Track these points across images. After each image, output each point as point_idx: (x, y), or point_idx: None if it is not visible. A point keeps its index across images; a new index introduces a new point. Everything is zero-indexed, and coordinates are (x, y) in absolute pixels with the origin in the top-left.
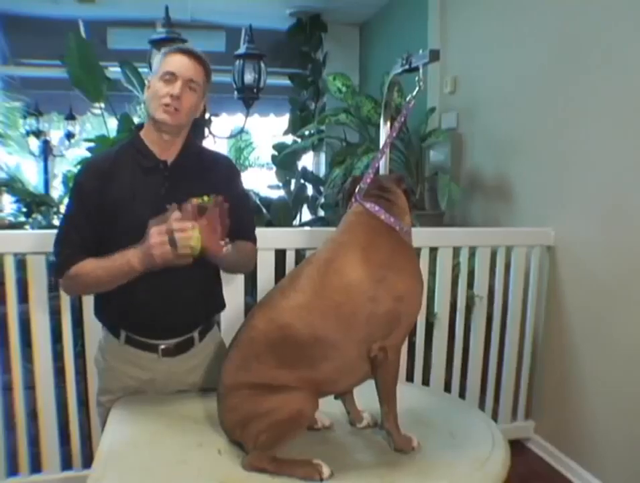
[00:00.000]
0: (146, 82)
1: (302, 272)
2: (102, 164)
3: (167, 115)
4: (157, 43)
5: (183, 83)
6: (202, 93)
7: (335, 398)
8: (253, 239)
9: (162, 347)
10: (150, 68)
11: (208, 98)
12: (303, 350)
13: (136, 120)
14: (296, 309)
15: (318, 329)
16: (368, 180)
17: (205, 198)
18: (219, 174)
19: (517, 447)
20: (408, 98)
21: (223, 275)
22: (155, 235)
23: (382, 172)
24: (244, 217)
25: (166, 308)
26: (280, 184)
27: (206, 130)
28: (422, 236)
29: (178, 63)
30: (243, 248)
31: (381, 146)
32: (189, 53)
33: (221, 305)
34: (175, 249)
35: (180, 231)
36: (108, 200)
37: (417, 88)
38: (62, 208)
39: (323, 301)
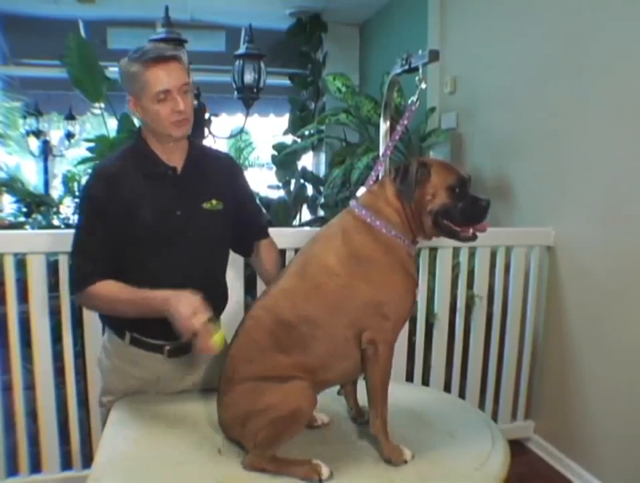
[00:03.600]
0: (129, 99)
1: (290, 262)
2: (109, 171)
3: (182, 130)
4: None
5: (178, 92)
6: (191, 83)
7: (338, 393)
8: (268, 234)
9: (168, 348)
10: None
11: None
12: (293, 331)
13: (136, 120)
14: (281, 292)
15: (301, 309)
16: (371, 182)
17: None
18: (222, 175)
19: (517, 447)
20: (410, 101)
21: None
22: (185, 318)
23: (380, 173)
24: (257, 214)
25: None
26: (280, 184)
27: (206, 130)
28: None
29: (165, 76)
30: (274, 260)
31: (382, 148)
32: (166, 59)
33: (225, 305)
34: (195, 345)
35: (203, 342)
36: (117, 207)
37: (418, 90)
38: (62, 208)
39: (304, 283)
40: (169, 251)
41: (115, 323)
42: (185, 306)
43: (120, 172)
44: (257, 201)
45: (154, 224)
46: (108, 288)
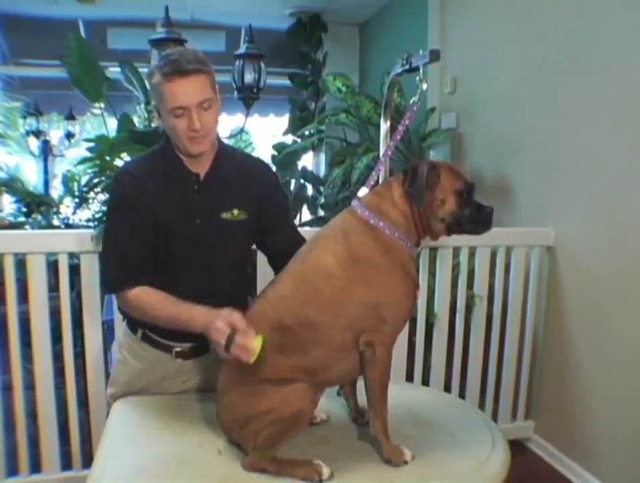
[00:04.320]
0: (153, 105)
1: (289, 264)
2: (133, 172)
3: (199, 146)
4: (157, 43)
5: (196, 109)
6: (216, 96)
7: (338, 394)
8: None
9: (177, 349)
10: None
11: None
12: (294, 335)
13: (136, 120)
14: (279, 299)
15: (300, 314)
16: (372, 182)
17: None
18: (251, 183)
19: (517, 447)
20: (412, 101)
21: None
22: (221, 322)
23: (381, 173)
24: (291, 230)
25: None
26: None
27: None
28: None
29: (182, 93)
30: None
31: (382, 148)
32: (186, 73)
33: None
34: (228, 350)
35: (240, 340)
36: (143, 209)
37: (419, 90)
38: (62, 208)
39: (302, 288)
40: (187, 259)
41: (130, 316)
42: (218, 332)
43: (145, 174)
44: (292, 218)
45: (173, 231)
46: (145, 298)
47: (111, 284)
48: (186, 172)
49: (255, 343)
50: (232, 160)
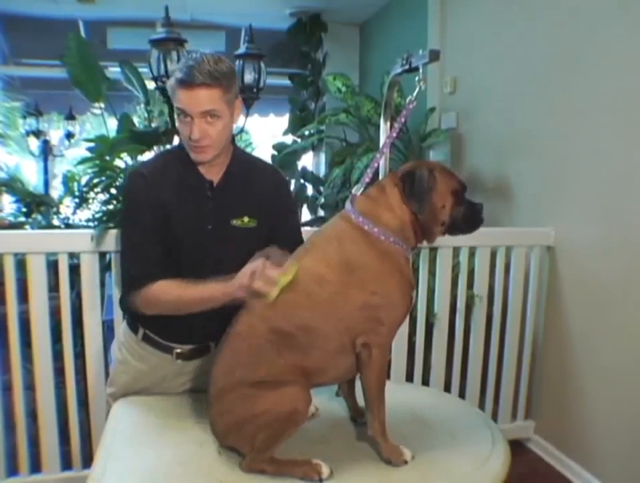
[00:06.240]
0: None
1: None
2: (145, 173)
3: (197, 155)
4: (157, 43)
5: (199, 119)
6: (228, 110)
7: (337, 394)
8: None
9: (178, 351)
10: (150, 68)
11: (239, 102)
12: (293, 340)
13: (136, 120)
14: (272, 303)
15: (298, 318)
16: (367, 180)
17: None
18: (263, 191)
19: (517, 447)
20: (408, 99)
21: None
22: (248, 265)
23: (381, 172)
24: (296, 239)
25: (189, 319)
26: None
27: None
28: None
29: (185, 100)
30: None
31: (381, 146)
32: (194, 85)
33: None
34: (256, 283)
35: (268, 272)
36: (155, 209)
37: (418, 89)
38: (62, 208)
39: (294, 293)
40: (195, 264)
41: (131, 316)
42: (243, 276)
43: (157, 176)
44: (298, 227)
45: (184, 235)
46: (167, 288)
47: (133, 282)
48: (199, 178)
49: (285, 276)
50: (245, 167)
